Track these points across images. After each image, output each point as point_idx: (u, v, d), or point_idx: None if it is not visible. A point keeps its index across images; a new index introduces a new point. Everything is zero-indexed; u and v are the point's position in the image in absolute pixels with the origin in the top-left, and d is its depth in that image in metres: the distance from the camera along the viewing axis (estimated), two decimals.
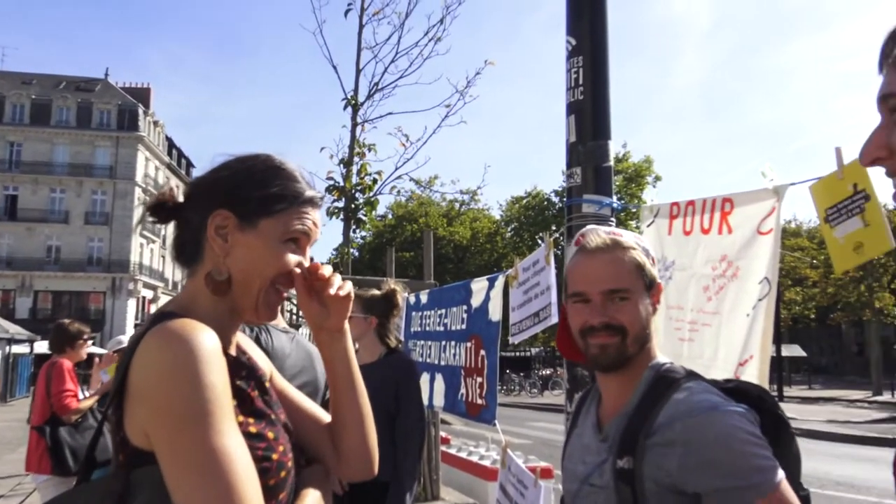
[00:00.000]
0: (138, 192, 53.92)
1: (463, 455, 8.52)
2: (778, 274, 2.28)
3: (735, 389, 1.51)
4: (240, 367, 1.25)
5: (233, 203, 1.26)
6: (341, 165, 7.19)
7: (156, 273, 57.49)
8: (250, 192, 1.27)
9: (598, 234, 1.62)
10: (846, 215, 1.98)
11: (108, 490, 1.10)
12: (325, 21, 7.50)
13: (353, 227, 7.23)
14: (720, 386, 1.53)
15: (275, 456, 1.19)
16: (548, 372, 37.61)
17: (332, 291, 1.38)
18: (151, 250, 57.24)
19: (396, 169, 7.24)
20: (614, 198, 2.93)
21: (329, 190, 7.18)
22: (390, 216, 46.93)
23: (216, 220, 1.25)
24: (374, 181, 7.17)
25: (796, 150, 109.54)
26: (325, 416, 1.47)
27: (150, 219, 1.32)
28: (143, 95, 58.10)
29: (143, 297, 55.49)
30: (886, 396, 30.85)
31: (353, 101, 7.19)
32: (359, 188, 7.14)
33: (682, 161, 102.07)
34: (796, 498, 1.34)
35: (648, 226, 2.78)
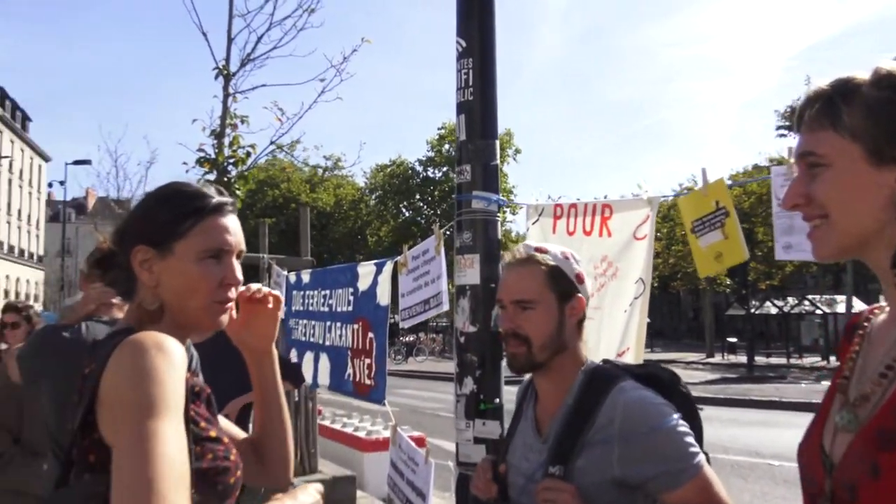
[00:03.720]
0: None
1: (337, 426, 8.65)
2: (651, 275, 2.58)
3: (648, 375, 1.75)
4: (195, 382, 1.35)
5: (146, 236, 1.36)
6: (213, 137, 6.99)
7: None
8: (157, 220, 1.37)
9: (518, 250, 1.81)
10: (709, 228, 2.28)
11: (91, 492, 1.17)
12: None
13: None
14: (634, 371, 1.76)
15: (232, 457, 1.31)
16: (411, 339, 38.23)
17: (270, 305, 1.51)
18: None
19: (272, 143, 7.13)
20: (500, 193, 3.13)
21: (200, 162, 6.96)
22: (252, 181, 45.56)
23: (138, 256, 1.35)
24: (248, 154, 7.03)
25: (644, 126, 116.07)
26: (240, 433, 1.61)
27: (98, 272, 1.43)
28: None
29: None
30: (718, 358, 33.88)
31: (226, 72, 6.98)
32: (231, 161, 6.98)
33: (541, 134, 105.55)
34: (716, 476, 1.60)
35: (533, 223, 3.00)
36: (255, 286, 1.58)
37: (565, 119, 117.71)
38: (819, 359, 31.89)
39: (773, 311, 36.66)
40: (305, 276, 5.15)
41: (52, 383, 2.35)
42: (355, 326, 4.13)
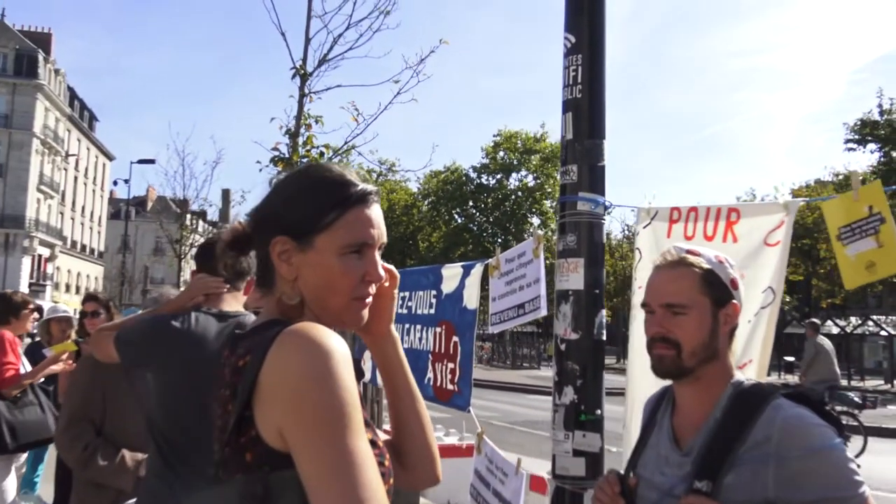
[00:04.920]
0: (36, 143, 50.86)
1: None
2: (783, 284, 2.42)
3: (798, 395, 1.61)
4: None
5: (287, 227, 1.26)
6: (287, 136, 7.02)
7: (53, 230, 54.56)
8: (299, 211, 1.27)
9: (670, 252, 1.68)
10: (860, 235, 2.12)
11: (247, 492, 1.10)
12: None
13: None
14: (783, 390, 1.62)
15: (387, 463, 1.23)
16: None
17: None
18: (49, 206, 54.22)
19: (346, 143, 7.12)
20: (606, 196, 3.00)
21: (274, 161, 7.00)
22: None
23: (276, 248, 1.25)
24: (321, 154, 7.04)
25: (702, 138, 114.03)
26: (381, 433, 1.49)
27: (231, 253, 1.34)
28: (43, 40, 54.50)
29: (40, 255, 52.66)
30: (774, 377, 32.95)
31: (303, 72, 7.00)
32: (304, 160, 7.00)
33: None
34: None
35: (644, 227, 2.87)
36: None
37: (621, 128, 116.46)
38: (882, 382, 30.69)
39: (835, 330, 35.46)
40: None
41: (159, 373, 2.30)
42: (438, 330, 4.03)
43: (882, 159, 29.53)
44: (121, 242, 73.44)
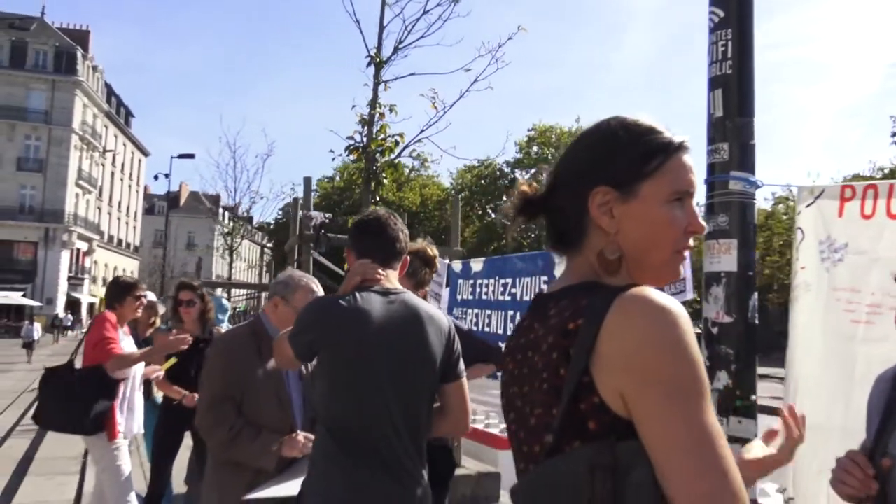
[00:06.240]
0: (75, 139, 51.67)
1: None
2: None
3: None
4: None
5: (606, 176, 1.19)
6: (362, 125, 6.99)
7: (91, 225, 55.44)
8: (619, 158, 1.19)
9: None
10: None
11: (598, 463, 1.03)
12: None
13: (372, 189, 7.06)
14: None
15: None
16: None
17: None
18: (87, 201, 55.08)
19: (422, 131, 7.06)
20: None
21: (349, 150, 6.98)
22: (338, 178, 46.20)
23: (597, 199, 1.18)
24: (396, 143, 7.00)
25: None
26: None
27: (520, 219, 1.29)
28: (81, 38, 55.37)
29: (78, 250, 53.55)
30: None
31: (378, 59, 6.96)
32: (379, 149, 6.96)
33: None
34: None
35: (807, 206, 2.76)
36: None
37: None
38: None
39: None
40: (476, 265, 5.02)
41: (332, 353, 2.27)
42: None
43: None
44: (155, 237, 74.67)
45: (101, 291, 57.88)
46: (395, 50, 7.03)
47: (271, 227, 46.12)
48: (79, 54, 52.17)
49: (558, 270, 4.03)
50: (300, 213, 5.32)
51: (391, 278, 2.48)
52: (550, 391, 1.10)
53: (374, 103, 6.99)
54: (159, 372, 4.88)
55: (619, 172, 1.18)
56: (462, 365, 2.52)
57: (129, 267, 67.30)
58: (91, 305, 55.84)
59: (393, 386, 2.27)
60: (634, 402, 1.02)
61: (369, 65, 7.04)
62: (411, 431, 2.32)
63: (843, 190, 2.61)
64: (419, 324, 2.37)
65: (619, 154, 1.19)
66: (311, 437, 3.05)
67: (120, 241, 65.06)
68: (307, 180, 5.93)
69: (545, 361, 1.12)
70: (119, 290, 4.55)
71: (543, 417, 1.11)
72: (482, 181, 44.08)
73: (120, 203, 64.76)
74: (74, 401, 4.15)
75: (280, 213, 44.18)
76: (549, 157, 42.79)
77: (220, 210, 42.92)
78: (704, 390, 1.02)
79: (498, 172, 44.02)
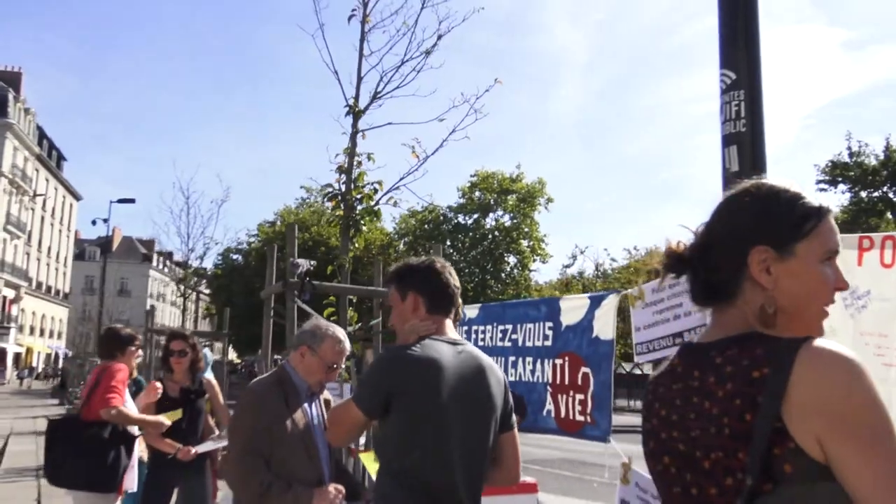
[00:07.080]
0: (4, 182, 49.83)
1: None
2: None
3: None
4: None
5: (765, 236, 1.31)
6: (340, 173, 7.04)
7: (19, 271, 53.16)
8: (779, 220, 1.32)
9: None
10: None
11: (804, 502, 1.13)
12: (324, 24, 7.36)
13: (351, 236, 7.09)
14: None
15: None
16: None
17: None
18: (15, 246, 52.89)
19: (401, 179, 7.16)
20: None
21: (328, 197, 7.02)
22: (279, 223, 45.61)
23: (756, 257, 1.30)
24: (375, 190, 7.07)
25: (662, 181, 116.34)
26: None
27: (671, 275, 1.43)
28: (13, 79, 53.79)
29: (4, 297, 51.19)
30: None
31: (356, 109, 7.06)
32: (358, 197, 7.02)
33: (560, 185, 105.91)
34: None
35: None
36: None
37: (582, 172, 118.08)
38: None
39: None
40: (471, 311, 5.08)
41: (405, 400, 2.28)
42: (558, 361, 4.05)
43: (853, 199, 30.56)
44: (85, 283, 72.01)
45: (29, 340, 55.28)
46: (373, 99, 7.15)
47: (208, 272, 45.16)
48: (10, 96, 50.69)
49: (563, 317, 4.13)
50: (290, 259, 5.31)
51: (450, 328, 2.51)
52: (733, 436, 1.18)
53: (352, 152, 7.07)
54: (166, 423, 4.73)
55: (777, 234, 1.30)
56: (515, 415, 2.57)
57: (58, 315, 64.60)
58: (17, 355, 53.26)
59: (462, 438, 2.29)
60: (835, 447, 1.12)
61: (347, 114, 7.13)
62: (472, 483, 2.34)
63: (860, 241, 2.78)
64: (485, 375, 2.41)
65: (778, 217, 1.31)
66: (342, 488, 3.04)
67: (49, 288, 62.52)
68: (291, 227, 5.94)
69: (724, 408, 1.20)
70: (121, 342, 4.45)
71: (724, 461, 1.18)
72: (426, 226, 44.21)
73: (49, 248, 62.43)
74: (96, 456, 3.99)
75: (219, 258, 43.37)
76: (491, 202, 43.31)
77: (155, 256, 41.85)
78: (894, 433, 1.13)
79: (441, 217, 44.24)
